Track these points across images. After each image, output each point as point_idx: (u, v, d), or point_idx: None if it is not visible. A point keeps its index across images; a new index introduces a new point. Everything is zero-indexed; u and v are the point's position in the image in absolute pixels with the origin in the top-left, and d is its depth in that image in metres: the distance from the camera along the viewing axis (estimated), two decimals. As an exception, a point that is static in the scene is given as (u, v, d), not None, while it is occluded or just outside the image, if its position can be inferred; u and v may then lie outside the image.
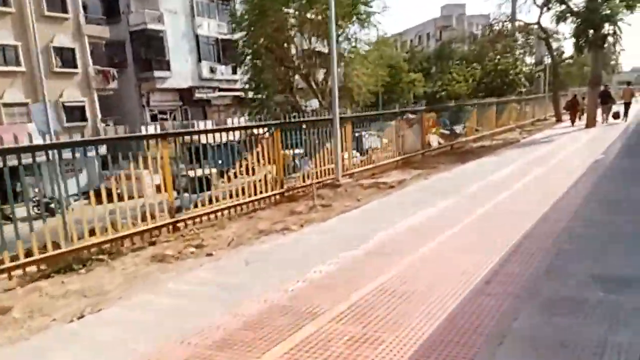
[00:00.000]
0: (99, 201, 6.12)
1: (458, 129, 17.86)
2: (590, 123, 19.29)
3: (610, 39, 18.76)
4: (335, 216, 7.27)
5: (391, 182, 10.35)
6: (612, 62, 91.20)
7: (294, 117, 9.71)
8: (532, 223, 5.65)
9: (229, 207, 7.88)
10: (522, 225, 5.54)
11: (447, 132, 17.76)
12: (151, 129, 12.96)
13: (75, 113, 25.67)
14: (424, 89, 36.37)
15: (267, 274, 4.69)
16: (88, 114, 26.38)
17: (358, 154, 12.49)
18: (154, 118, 30.27)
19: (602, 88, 22.55)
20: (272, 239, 6.22)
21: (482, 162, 12.27)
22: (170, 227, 6.93)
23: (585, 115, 23.54)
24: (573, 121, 24.10)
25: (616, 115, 23.70)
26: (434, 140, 17.92)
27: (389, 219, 6.45)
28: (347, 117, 10.90)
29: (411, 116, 16.24)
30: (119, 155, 6.61)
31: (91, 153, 6.37)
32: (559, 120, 25.33)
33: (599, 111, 23.35)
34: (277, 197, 8.95)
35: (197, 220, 7.33)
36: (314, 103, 23.04)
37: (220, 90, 34.23)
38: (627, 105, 23.29)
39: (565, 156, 11.81)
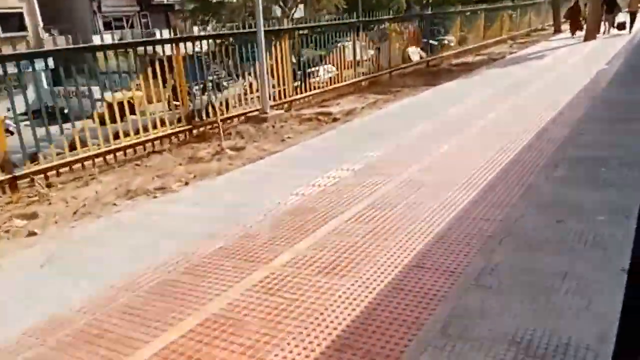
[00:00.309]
0: None
1: (437, 42, 15.53)
2: (590, 35, 16.90)
3: None
4: (237, 168, 5.56)
5: (336, 113, 8.49)
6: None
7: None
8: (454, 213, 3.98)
9: (107, 153, 6.11)
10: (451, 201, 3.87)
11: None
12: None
13: (12, 21, 22.60)
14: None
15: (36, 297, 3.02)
16: (27, 22, 23.29)
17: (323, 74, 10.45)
18: (107, 26, 27.10)
19: None
20: (132, 208, 4.55)
21: (448, 86, 10.30)
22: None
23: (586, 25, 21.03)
24: (573, 32, 21.54)
25: (621, 26, 21.12)
26: (415, 54, 15.69)
27: (300, 176, 4.74)
28: (278, 30, 8.73)
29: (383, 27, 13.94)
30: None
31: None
32: (557, 30, 22.69)
33: (603, 21, 20.90)
34: (184, 135, 7.14)
35: (53, 172, 5.59)
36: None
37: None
38: (632, 15, 20.63)
39: (547, 82, 9.84)
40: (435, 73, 13.03)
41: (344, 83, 10.62)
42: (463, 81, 10.80)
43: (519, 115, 6.74)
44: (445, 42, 15.72)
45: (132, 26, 28.40)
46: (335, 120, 8.07)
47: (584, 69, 10.50)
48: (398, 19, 13.11)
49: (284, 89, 8.89)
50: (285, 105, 8.86)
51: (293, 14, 18.02)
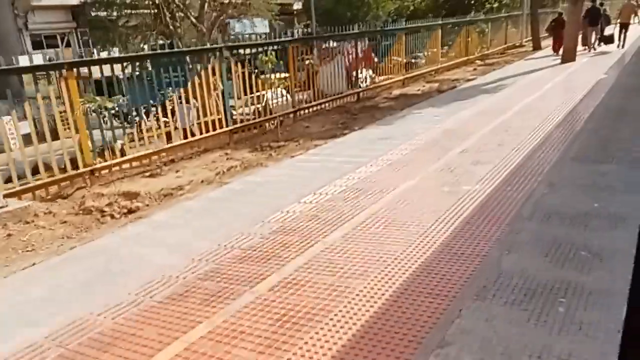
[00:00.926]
0: None
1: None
2: (568, 55, 13.82)
3: None
4: None
5: (147, 196, 5.42)
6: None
7: None
8: None
9: None
10: None
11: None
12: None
13: None
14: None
15: None
16: None
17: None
18: (38, 45, 24.25)
19: (589, 3, 17.07)
20: None
21: (334, 148, 7.25)
22: None
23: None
24: (556, 49, 18.56)
25: (608, 40, 18.15)
26: (367, 77, 12.72)
27: None
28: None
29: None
30: None
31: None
32: (537, 47, 19.67)
33: (587, 36, 17.96)
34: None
35: None
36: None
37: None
38: (623, 27, 17.67)
39: (478, 139, 6.79)
40: (358, 111, 9.98)
41: (192, 139, 7.56)
42: (370, 131, 7.74)
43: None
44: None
45: (68, 44, 25.55)
46: (132, 212, 5.01)
47: (544, 119, 7.41)
48: (293, 40, 10.08)
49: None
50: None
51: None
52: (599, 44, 18.09)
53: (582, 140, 5.79)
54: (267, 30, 35.61)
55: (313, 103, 10.04)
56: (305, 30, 34.33)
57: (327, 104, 10.44)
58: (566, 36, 13.83)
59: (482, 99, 9.57)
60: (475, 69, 15.29)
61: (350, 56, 13.32)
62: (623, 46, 17.96)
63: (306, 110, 9.84)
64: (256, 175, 5.94)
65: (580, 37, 18.50)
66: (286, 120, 9.36)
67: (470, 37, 17.01)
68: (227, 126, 7.98)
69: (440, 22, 14.73)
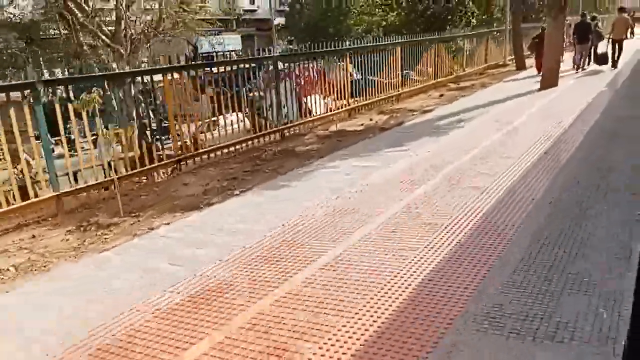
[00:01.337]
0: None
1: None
2: (548, 80, 11.53)
3: None
4: None
5: None
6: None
7: None
8: None
9: None
10: None
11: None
12: None
13: None
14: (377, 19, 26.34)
15: None
16: None
17: None
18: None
19: (578, 18, 15.00)
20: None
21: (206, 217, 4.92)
22: None
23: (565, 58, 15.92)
24: (540, 69, 16.43)
25: (602, 60, 15.96)
26: (318, 104, 10.53)
27: None
28: None
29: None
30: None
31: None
32: (520, 67, 17.45)
33: (573, 54, 15.91)
34: None
35: None
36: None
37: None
38: (616, 45, 15.52)
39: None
40: (271, 156, 7.66)
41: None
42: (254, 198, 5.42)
43: None
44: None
45: None
46: None
47: (488, 190, 5.10)
48: (196, 66, 7.83)
49: None
50: None
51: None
52: (588, 63, 15.90)
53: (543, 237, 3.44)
54: (240, 47, 33.74)
55: (214, 146, 7.73)
56: (288, 46, 32.38)
57: (240, 145, 8.12)
58: (546, 57, 11.58)
59: (426, 142, 7.24)
60: (442, 95, 13.01)
61: (303, 79, 11.25)
62: (616, 66, 15.79)
63: (206, 156, 7.53)
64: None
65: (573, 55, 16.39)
66: (173, 171, 7.05)
67: (441, 56, 14.79)
68: (52, 189, 5.64)
69: (399, 40, 12.49)
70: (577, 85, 11.74)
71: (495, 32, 18.51)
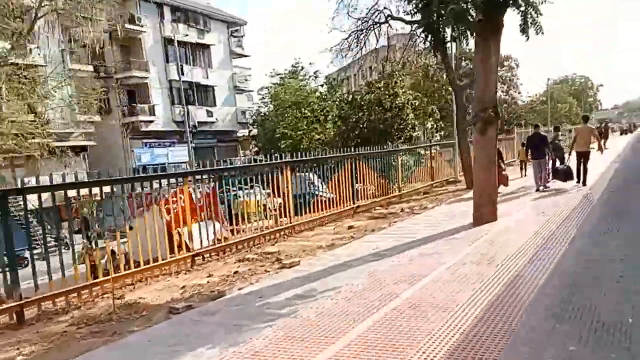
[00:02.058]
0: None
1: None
2: (484, 215, 8.20)
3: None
4: None
5: None
6: (590, 99, 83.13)
7: None
8: None
9: None
10: None
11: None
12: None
13: None
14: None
15: None
16: None
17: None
18: None
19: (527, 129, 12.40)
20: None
21: None
22: None
23: (525, 171, 13.13)
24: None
25: (564, 175, 13.13)
26: (202, 232, 7.19)
27: None
28: None
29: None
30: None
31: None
32: (469, 185, 14.49)
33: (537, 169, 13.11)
34: None
35: None
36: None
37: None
38: (581, 158, 12.82)
39: None
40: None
41: None
42: None
43: None
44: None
45: None
46: None
47: None
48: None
49: None
50: None
51: None
52: (548, 180, 12.99)
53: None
54: (186, 159, 31.49)
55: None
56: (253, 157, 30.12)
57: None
58: (476, 187, 8.47)
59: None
60: (350, 227, 9.65)
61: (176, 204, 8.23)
62: (584, 183, 12.87)
63: None
64: None
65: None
66: None
67: (365, 174, 11.80)
68: None
69: (287, 159, 9.50)
70: (526, 218, 8.47)
71: (435, 146, 15.77)
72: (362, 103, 16.33)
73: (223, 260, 7.55)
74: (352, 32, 15.51)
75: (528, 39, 7.47)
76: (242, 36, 37.66)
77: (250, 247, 8.44)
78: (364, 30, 15.47)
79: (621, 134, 52.74)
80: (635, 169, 16.11)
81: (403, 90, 16.39)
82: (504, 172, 13.80)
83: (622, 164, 17.21)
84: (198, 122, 33.64)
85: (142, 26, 29.43)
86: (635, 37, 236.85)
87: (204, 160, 8.64)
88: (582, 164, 13.17)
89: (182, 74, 32.44)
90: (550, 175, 13.60)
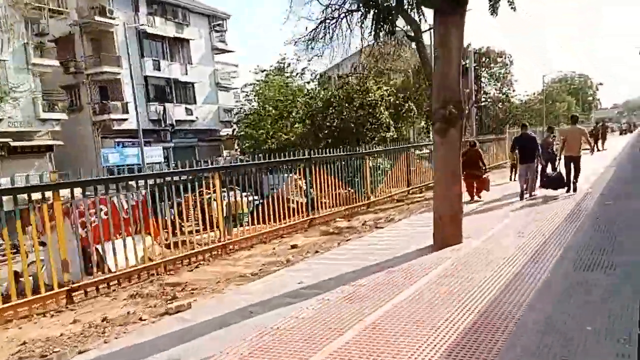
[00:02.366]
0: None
1: None
2: (445, 238, 6.66)
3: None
4: None
5: None
6: (589, 98, 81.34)
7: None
8: None
9: None
10: None
11: None
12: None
13: None
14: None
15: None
16: None
17: None
18: None
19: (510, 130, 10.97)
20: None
21: None
22: None
23: (515, 175, 11.71)
24: (472, 194, 12.13)
25: (556, 182, 11.70)
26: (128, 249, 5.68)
27: None
28: None
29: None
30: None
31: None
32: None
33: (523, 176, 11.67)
34: None
35: None
36: None
37: None
38: (570, 162, 11.39)
39: None
40: None
41: None
42: None
43: None
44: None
45: None
46: None
47: None
48: None
49: None
50: None
51: None
52: (533, 189, 11.47)
53: None
54: (161, 159, 29.87)
55: None
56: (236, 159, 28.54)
57: None
58: (436, 200, 6.89)
59: None
60: (272, 255, 8.07)
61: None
62: (574, 189, 11.43)
63: None
64: None
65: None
66: None
67: (316, 183, 10.26)
68: None
69: (216, 165, 7.97)
70: (493, 246, 6.93)
71: (411, 149, 14.06)
72: (332, 99, 14.78)
73: (112, 296, 6.01)
74: (322, 20, 13.93)
75: (496, 15, 5.95)
76: (224, 31, 36.06)
77: (167, 272, 6.92)
78: (335, 19, 13.91)
79: (620, 134, 51.22)
80: (634, 175, 14.60)
81: (378, 86, 14.81)
82: (485, 176, 12.33)
83: (619, 168, 15.70)
84: (177, 120, 32.10)
85: (113, 19, 27.84)
86: (620, 22, 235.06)
87: (183, 161, 7.38)
88: (572, 170, 11.70)
89: (159, 69, 30.97)
90: (538, 181, 12.10)
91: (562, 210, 8.95)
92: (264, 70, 30.50)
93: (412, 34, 13.29)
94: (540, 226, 7.57)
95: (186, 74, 32.64)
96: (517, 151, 11.91)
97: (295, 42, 14.47)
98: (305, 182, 9.87)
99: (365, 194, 11.94)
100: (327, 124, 14.37)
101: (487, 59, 31.76)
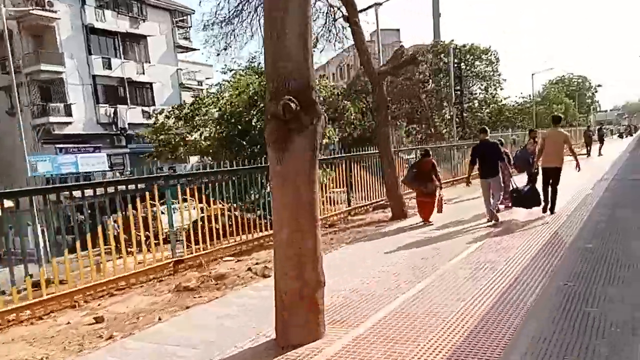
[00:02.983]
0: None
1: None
2: (288, 332, 3.73)
3: None
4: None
5: None
6: (588, 100, 78.25)
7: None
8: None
9: None
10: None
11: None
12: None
13: None
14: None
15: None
16: None
17: None
18: None
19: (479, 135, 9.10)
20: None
21: None
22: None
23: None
24: (423, 214, 9.41)
25: (530, 200, 9.06)
26: None
27: None
28: None
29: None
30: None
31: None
32: (398, 215, 10.02)
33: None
34: None
35: None
36: None
37: None
38: (549, 177, 8.73)
39: None
40: None
41: None
42: None
43: None
44: None
45: None
46: None
47: None
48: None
49: None
50: None
51: None
52: (491, 215, 8.70)
53: None
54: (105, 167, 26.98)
55: None
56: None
57: None
58: (278, 261, 4.02)
59: None
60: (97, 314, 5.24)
61: None
62: (552, 209, 8.70)
63: None
64: None
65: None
66: None
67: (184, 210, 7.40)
68: None
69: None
70: (389, 333, 4.09)
71: (344, 158, 10.95)
72: (256, 98, 11.92)
73: None
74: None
75: None
76: (189, 27, 33.31)
77: None
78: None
79: (620, 137, 48.35)
80: (632, 192, 11.72)
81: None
82: (439, 195, 9.55)
83: (615, 183, 12.83)
84: (132, 124, 29.25)
85: (54, 12, 25.07)
86: (620, 22, 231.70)
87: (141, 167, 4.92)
88: (550, 184, 8.95)
89: (110, 68, 28.18)
90: (501, 198, 9.31)
91: (529, 247, 6.15)
92: (232, 69, 27.45)
93: (347, 14, 10.43)
94: (486, 290, 4.74)
95: (143, 73, 29.83)
96: (473, 162, 9.12)
97: (205, 27, 11.77)
98: (168, 209, 7.00)
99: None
100: (247, 127, 11.49)
101: (472, 56, 28.90)
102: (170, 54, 32.26)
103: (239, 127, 11.84)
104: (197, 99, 15.07)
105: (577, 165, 8.95)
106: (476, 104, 29.35)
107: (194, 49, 34.05)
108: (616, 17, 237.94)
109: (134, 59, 29.55)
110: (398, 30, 57.96)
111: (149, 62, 30.37)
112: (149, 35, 30.32)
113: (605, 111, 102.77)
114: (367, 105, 32.94)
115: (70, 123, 25.90)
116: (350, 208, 11.13)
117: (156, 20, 30.92)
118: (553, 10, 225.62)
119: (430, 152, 9.76)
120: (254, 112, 11.74)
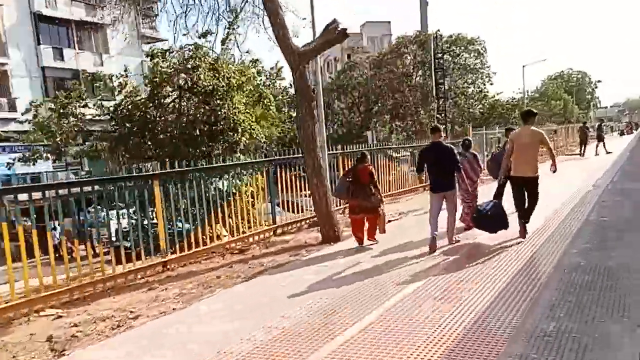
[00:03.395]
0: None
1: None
2: None
3: None
4: None
5: None
6: (588, 96, 75.63)
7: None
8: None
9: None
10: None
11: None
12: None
13: None
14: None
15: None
16: None
17: None
18: None
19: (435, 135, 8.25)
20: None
21: None
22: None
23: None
24: (361, 238, 7.13)
25: (494, 221, 6.77)
26: None
27: None
28: None
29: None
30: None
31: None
32: (330, 238, 7.73)
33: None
34: None
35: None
36: None
37: None
38: (522, 189, 6.42)
39: None
40: None
41: None
42: None
43: None
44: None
45: None
46: None
47: None
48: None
49: None
50: None
51: None
52: (450, 236, 6.46)
53: None
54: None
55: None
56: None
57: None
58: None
59: None
60: None
61: None
62: (523, 232, 6.49)
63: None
64: None
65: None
66: None
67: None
68: None
69: None
70: None
71: (255, 164, 8.44)
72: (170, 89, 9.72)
73: None
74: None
75: None
76: (155, 15, 30.88)
77: None
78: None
79: (620, 135, 45.98)
80: (634, 208, 9.31)
81: (222, 67, 9.60)
82: (380, 210, 7.36)
83: (612, 194, 10.50)
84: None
85: (-6, -4, 22.74)
86: (620, 20, 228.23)
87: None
88: (523, 199, 6.72)
89: (62, 59, 25.86)
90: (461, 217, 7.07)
91: (487, 290, 3.89)
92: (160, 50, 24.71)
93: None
94: None
95: (101, 64, 27.47)
96: (421, 170, 6.84)
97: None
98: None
99: (160, 248, 6.74)
100: (151, 125, 9.21)
101: (458, 48, 26.52)
102: (134, 45, 29.88)
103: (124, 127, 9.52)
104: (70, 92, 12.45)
105: (553, 164, 6.70)
106: (463, 99, 26.96)
107: (162, 40, 31.66)
108: (616, 15, 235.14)
109: (91, 49, 27.20)
110: (389, 22, 55.52)
111: (108, 53, 28.03)
112: (106, 24, 27.92)
113: (606, 107, 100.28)
114: (353, 100, 30.75)
115: (14, 119, 23.56)
116: (274, 226, 8.81)
117: (117, 8, 28.50)
118: (546, 6, 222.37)
119: (367, 156, 7.44)
120: (170, 107, 9.36)
